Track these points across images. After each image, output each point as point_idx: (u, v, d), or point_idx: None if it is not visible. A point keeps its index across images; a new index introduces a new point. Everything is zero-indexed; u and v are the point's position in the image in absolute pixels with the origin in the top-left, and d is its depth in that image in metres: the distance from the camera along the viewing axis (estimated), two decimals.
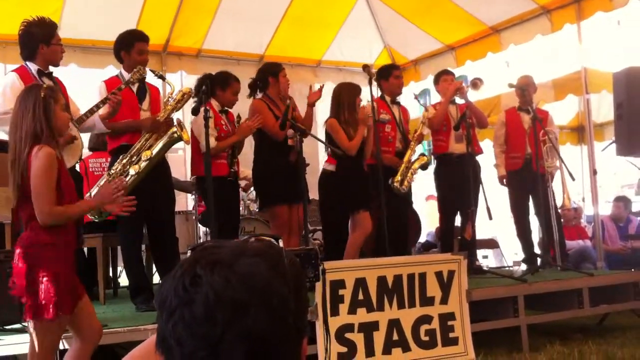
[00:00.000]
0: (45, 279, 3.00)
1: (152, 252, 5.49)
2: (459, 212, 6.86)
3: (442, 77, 7.01)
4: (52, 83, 4.75)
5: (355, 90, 6.18)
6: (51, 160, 3.05)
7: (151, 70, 5.29)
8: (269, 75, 6.02)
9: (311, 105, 5.98)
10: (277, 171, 5.74)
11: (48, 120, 3.09)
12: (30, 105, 3.11)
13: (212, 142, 5.25)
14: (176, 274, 1.06)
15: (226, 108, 5.84)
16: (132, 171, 4.75)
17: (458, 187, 6.60)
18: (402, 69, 10.04)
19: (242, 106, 6.03)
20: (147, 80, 5.32)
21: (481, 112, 6.94)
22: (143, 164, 4.78)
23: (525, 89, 6.88)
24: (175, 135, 4.90)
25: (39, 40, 4.79)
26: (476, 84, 6.50)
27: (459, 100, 6.83)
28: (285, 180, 5.65)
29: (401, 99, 6.92)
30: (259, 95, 6.03)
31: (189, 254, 1.13)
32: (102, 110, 4.91)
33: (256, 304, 1.01)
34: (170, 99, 5.14)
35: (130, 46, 5.15)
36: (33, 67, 4.75)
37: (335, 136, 6.00)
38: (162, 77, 5.36)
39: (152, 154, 4.83)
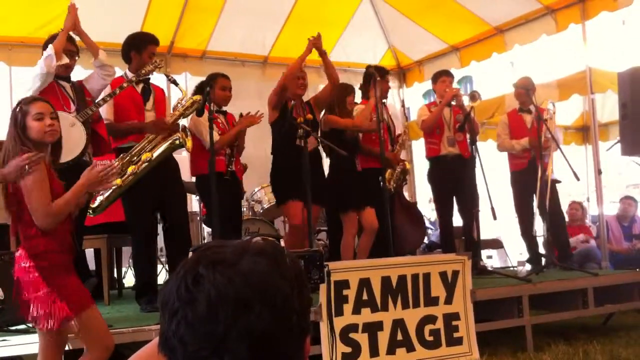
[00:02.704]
0: (48, 285, 3.01)
1: (166, 252, 5.53)
2: (461, 213, 6.86)
3: (441, 78, 7.01)
4: (70, 85, 5.00)
5: (345, 89, 6.25)
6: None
7: (165, 75, 5.34)
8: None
9: (322, 54, 5.93)
10: (293, 169, 5.57)
11: (20, 134, 3.13)
12: (9, 123, 3.18)
13: (214, 136, 5.26)
14: (178, 274, 1.07)
15: (224, 109, 5.86)
16: (129, 170, 4.79)
17: (453, 188, 6.63)
18: (407, 69, 10.09)
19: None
20: (151, 81, 5.36)
21: (475, 120, 6.92)
22: (143, 166, 4.81)
23: (529, 88, 6.87)
24: (177, 142, 4.92)
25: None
26: (474, 96, 6.48)
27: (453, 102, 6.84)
28: (300, 179, 5.47)
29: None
30: None
31: (190, 255, 1.14)
32: (106, 112, 5.01)
33: (259, 303, 1.01)
34: (179, 105, 5.17)
35: (141, 48, 5.20)
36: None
37: (335, 125, 6.04)
38: (175, 83, 5.35)
39: (152, 156, 4.85)
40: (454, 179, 6.62)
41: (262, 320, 1.01)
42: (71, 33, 4.99)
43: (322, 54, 5.92)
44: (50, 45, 4.71)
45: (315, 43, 5.82)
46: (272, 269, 1.06)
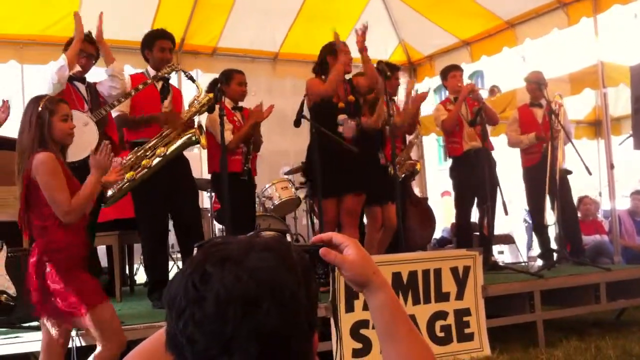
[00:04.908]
0: (64, 278, 3.04)
1: (180, 250, 5.56)
2: (477, 207, 6.83)
3: (451, 73, 6.96)
4: (85, 86, 5.04)
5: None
6: (53, 162, 3.10)
7: (183, 71, 5.36)
8: (327, 55, 5.74)
9: (362, 51, 5.60)
10: (330, 161, 5.34)
11: (45, 131, 3.16)
12: (28, 118, 3.22)
13: (228, 135, 5.27)
14: (185, 272, 1.06)
15: (240, 105, 5.85)
16: (143, 164, 4.82)
17: (475, 183, 6.58)
18: (417, 64, 10.06)
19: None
20: (170, 81, 5.44)
21: (493, 110, 6.88)
22: (156, 160, 4.83)
23: (541, 83, 6.84)
24: (193, 138, 4.95)
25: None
26: (493, 91, 6.44)
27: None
28: (336, 172, 5.31)
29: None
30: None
31: (195, 252, 1.13)
32: (122, 104, 5.06)
33: (267, 300, 1.01)
34: (196, 102, 5.19)
35: (151, 45, 5.29)
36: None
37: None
38: (192, 79, 5.34)
39: (166, 151, 4.88)
40: (477, 175, 6.51)
41: (270, 317, 1.00)
42: (93, 36, 5.03)
43: (362, 49, 5.61)
44: (63, 55, 4.73)
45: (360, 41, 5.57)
46: (279, 265, 1.05)
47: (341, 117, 5.52)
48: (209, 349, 1.00)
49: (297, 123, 5.42)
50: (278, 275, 1.04)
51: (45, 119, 3.18)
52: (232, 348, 0.99)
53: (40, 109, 3.19)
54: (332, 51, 5.68)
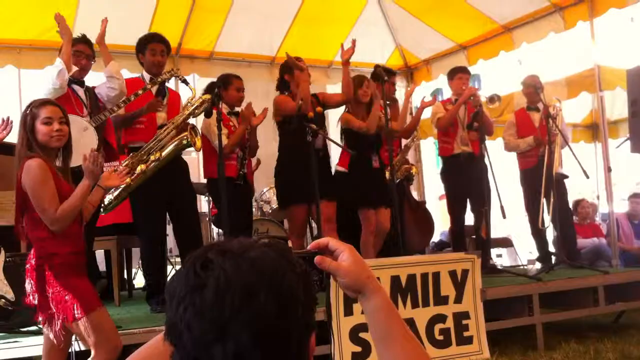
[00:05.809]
0: (58, 285, 3.04)
1: (179, 251, 5.57)
2: (472, 211, 6.84)
3: (458, 75, 6.95)
4: (84, 89, 5.04)
5: (357, 80, 6.10)
6: (41, 168, 3.09)
7: (175, 75, 5.37)
8: (284, 73, 5.84)
9: (346, 63, 5.70)
10: (299, 168, 5.40)
11: (30, 136, 3.16)
12: (20, 124, 3.24)
13: (224, 140, 5.26)
14: (186, 264, 1.08)
15: (236, 110, 5.85)
16: (138, 169, 4.83)
17: (466, 186, 6.60)
18: (414, 68, 10.07)
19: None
20: (167, 84, 5.46)
21: (490, 120, 6.87)
22: (151, 165, 4.85)
23: (538, 86, 6.85)
24: (184, 141, 4.95)
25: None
26: (493, 99, 6.47)
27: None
28: (305, 178, 5.33)
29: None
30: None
31: None
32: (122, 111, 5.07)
33: (266, 289, 1.02)
34: (189, 104, 5.20)
35: (144, 48, 5.31)
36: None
37: (350, 126, 5.94)
38: (185, 82, 5.34)
39: (160, 155, 4.89)
40: (467, 177, 6.55)
41: (267, 306, 1.02)
42: (89, 38, 5.03)
43: (346, 63, 5.72)
44: (59, 60, 4.72)
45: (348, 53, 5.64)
46: (279, 259, 1.08)
47: (312, 126, 5.56)
48: (206, 333, 1.01)
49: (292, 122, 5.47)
50: (277, 268, 1.06)
51: (27, 123, 3.18)
52: (229, 335, 1.01)
53: (27, 113, 3.20)
54: (289, 69, 5.75)
